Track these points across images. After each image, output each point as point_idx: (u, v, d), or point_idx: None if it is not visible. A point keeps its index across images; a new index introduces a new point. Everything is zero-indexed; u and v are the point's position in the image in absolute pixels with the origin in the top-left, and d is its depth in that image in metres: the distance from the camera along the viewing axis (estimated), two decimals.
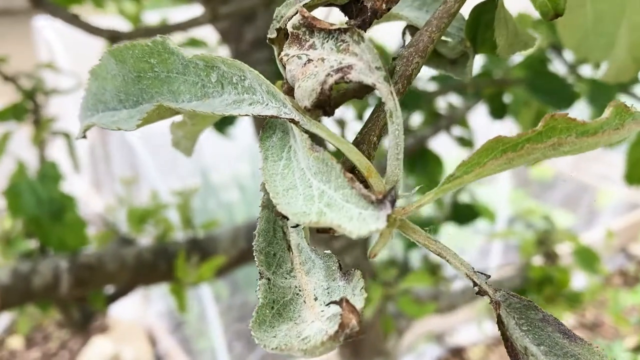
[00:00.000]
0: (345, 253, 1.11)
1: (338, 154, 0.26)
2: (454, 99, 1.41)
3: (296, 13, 0.26)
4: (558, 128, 0.23)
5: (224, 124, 1.27)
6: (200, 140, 0.42)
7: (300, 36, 0.26)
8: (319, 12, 0.29)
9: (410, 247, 1.53)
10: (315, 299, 0.26)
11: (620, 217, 2.95)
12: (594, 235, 2.55)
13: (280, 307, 0.26)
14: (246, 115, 0.26)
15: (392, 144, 0.24)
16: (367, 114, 0.30)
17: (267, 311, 0.25)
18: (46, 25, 2.34)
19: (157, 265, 1.19)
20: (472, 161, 0.23)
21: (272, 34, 0.28)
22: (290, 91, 0.28)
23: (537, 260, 1.60)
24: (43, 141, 1.26)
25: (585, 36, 0.53)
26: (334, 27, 0.24)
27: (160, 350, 2.39)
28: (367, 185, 0.25)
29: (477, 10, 0.32)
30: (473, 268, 0.25)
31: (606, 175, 2.84)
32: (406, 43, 0.31)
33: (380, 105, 0.27)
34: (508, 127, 2.15)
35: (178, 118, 0.37)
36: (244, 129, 1.45)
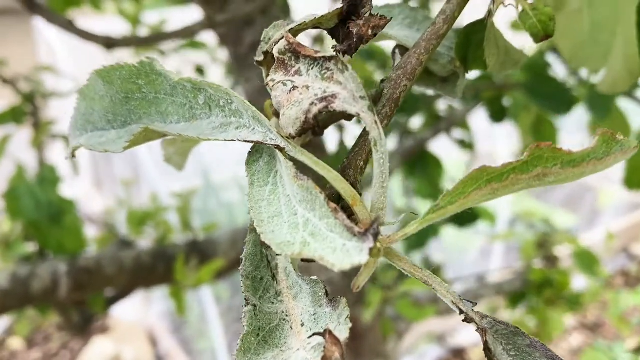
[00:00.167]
0: None
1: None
2: (454, 102, 1.40)
3: (282, 37, 0.26)
4: (544, 157, 0.23)
5: None
6: None
7: (286, 61, 0.26)
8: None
9: (409, 250, 1.52)
10: (302, 324, 0.26)
11: (622, 218, 2.94)
12: (595, 235, 2.54)
13: (266, 334, 0.26)
14: (232, 140, 0.26)
15: (377, 172, 0.24)
16: None
17: (253, 339, 0.25)
18: (47, 25, 2.33)
19: (156, 268, 1.19)
20: (456, 191, 0.23)
21: (259, 57, 0.28)
22: (278, 113, 0.28)
23: (538, 263, 1.60)
24: (42, 144, 1.26)
25: (581, 45, 0.53)
26: (318, 55, 0.24)
27: (161, 351, 2.40)
28: (352, 213, 0.24)
29: (467, 30, 0.32)
30: (459, 296, 0.25)
31: (608, 176, 2.83)
32: (395, 63, 0.31)
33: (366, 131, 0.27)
34: (507, 130, 2.14)
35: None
36: None
